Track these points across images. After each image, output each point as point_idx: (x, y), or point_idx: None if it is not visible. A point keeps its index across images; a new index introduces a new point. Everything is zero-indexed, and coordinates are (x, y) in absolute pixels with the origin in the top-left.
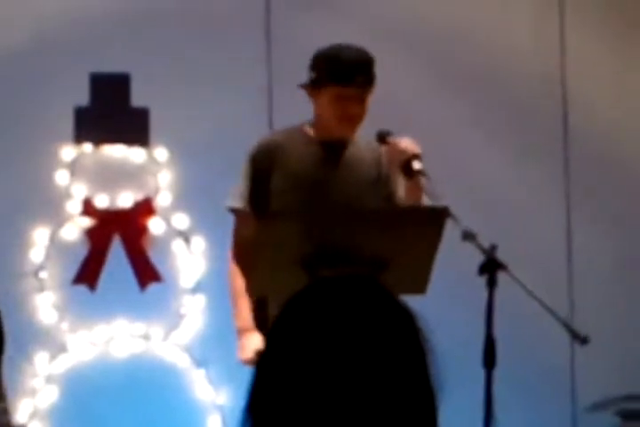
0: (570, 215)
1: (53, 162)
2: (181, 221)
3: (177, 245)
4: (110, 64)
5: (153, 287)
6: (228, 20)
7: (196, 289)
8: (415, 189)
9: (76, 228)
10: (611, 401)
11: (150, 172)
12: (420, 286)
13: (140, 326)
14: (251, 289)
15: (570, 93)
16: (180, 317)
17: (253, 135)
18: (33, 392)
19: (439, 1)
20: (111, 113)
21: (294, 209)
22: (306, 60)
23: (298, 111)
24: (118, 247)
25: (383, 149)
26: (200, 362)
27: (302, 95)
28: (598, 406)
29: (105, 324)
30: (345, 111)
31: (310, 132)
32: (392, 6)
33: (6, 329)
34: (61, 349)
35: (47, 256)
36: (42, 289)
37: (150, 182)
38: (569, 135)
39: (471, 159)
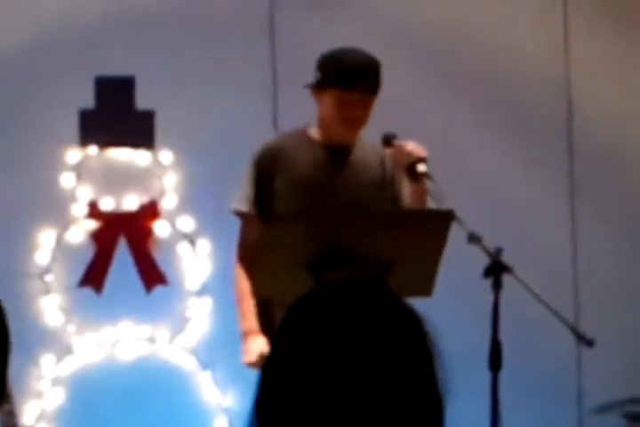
0: (574, 217)
1: (59, 165)
2: (187, 223)
3: (182, 247)
4: (115, 67)
5: (159, 290)
6: (233, 21)
7: (201, 292)
8: (420, 191)
9: (81, 230)
10: (617, 404)
11: (155, 174)
12: (425, 289)
13: (145, 329)
14: (255, 291)
15: (574, 94)
16: (186, 319)
17: (258, 137)
18: (39, 395)
19: (443, 1)
20: (116, 116)
21: (297, 212)
22: (310, 61)
23: (303, 113)
24: (124, 250)
25: (388, 151)
26: (206, 364)
27: (307, 96)
28: (604, 409)
29: (111, 326)
30: (346, 115)
31: (315, 134)
32: (396, 7)
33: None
34: (67, 351)
35: (53, 259)
36: (48, 292)
37: (155, 185)
38: (573, 137)
39: (475, 161)
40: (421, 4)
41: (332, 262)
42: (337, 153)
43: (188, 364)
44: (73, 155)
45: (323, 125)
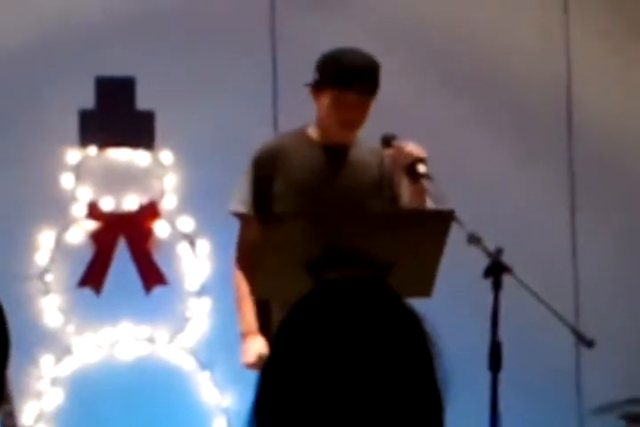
0: (574, 217)
1: (58, 165)
2: (186, 224)
3: (182, 248)
4: (115, 67)
5: (158, 290)
6: (233, 22)
7: (201, 292)
8: (420, 192)
9: (81, 231)
10: (616, 404)
11: (155, 175)
12: (425, 289)
13: (145, 329)
14: (254, 291)
15: (574, 94)
16: (186, 320)
17: (259, 138)
18: (38, 395)
19: (443, 1)
20: (116, 116)
21: (296, 213)
22: (310, 61)
23: (303, 113)
24: (123, 250)
25: (386, 151)
26: (205, 365)
27: (307, 97)
28: (604, 410)
29: (110, 327)
30: (343, 116)
31: (313, 134)
32: (396, 7)
33: (11, 332)
34: (67, 351)
35: (52, 259)
36: (47, 292)
37: (155, 185)
38: (573, 136)
39: (475, 161)
40: (422, 3)
41: (332, 263)
42: (335, 153)
43: (188, 364)
44: (73, 155)
45: (321, 125)
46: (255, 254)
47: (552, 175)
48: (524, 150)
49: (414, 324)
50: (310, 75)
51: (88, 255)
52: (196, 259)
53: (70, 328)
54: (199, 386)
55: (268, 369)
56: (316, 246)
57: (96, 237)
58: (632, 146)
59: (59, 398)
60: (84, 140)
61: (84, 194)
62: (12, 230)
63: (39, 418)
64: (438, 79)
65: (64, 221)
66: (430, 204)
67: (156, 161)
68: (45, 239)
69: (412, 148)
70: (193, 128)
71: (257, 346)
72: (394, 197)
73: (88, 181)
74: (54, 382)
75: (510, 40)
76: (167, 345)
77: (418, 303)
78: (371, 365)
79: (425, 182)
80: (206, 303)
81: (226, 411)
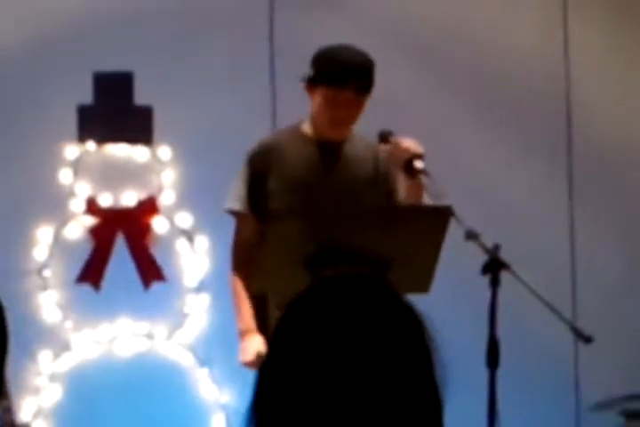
0: (573, 214)
1: (57, 161)
2: (185, 219)
3: (180, 244)
4: (113, 63)
5: (157, 286)
6: (232, 18)
7: (199, 288)
8: (417, 188)
9: (79, 226)
10: (614, 401)
11: (154, 170)
12: (423, 286)
13: (143, 325)
14: (251, 287)
15: (573, 92)
16: (184, 316)
17: (257, 134)
18: (37, 391)
19: (443, 0)
20: (114, 112)
21: (292, 210)
22: (309, 59)
23: (301, 110)
24: (122, 246)
25: (382, 146)
26: (204, 361)
27: (305, 94)
28: (602, 406)
29: (109, 323)
30: (336, 114)
31: (308, 130)
32: (395, 6)
33: (10, 327)
34: (65, 347)
35: (51, 255)
36: (45, 288)
37: (154, 181)
38: (572, 134)
39: (474, 159)
40: (421, 3)
41: (330, 259)
42: (330, 149)
43: (186, 360)
44: (71, 151)
45: (314, 122)
46: (253, 251)
47: (551, 173)
48: (523, 148)
49: (412, 320)
50: (308, 72)
51: (86, 251)
52: (195, 255)
53: (69, 324)
54: (198, 382)
55: (266, 366)
56: (315, 243)
57: (94, 232)
58: (631, 144)
59: (57, 393)
60: (83, 136)
61: (83, 189)
62: (11, 226)
63: (37, 414)
64: (437, 78)
65: (62, 217)
66: (428, 200)
67: (155, 157)
68: (44, 235)
69: (410, 143)
70: (191, 124)
71: (255, 344)
72: (389, 193)
73: (86, 176)
74: (52, 377)
75: (509, 39)
76: (166, 341)
77: (416, 299)
78: (369, 361)
79: (422, 178)
80: (205, 299)
81: (224, 407)
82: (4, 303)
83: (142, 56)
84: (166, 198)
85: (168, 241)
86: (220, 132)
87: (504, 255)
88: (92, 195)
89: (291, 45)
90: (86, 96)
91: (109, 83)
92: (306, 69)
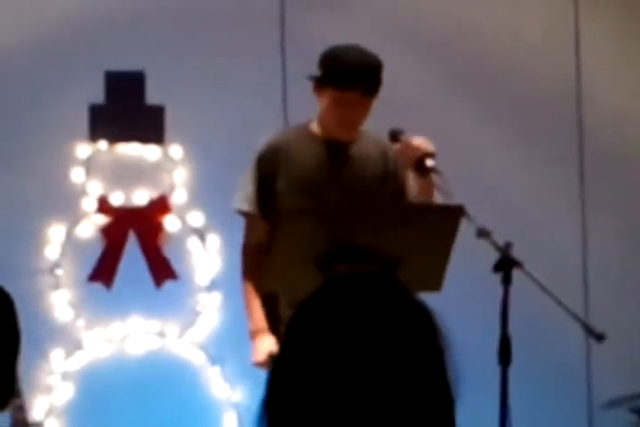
0: (585, 212)
1: (69, 160)
2: (196, 218)
3: (192, 242)
4: (125, 62)
5: (168, 285)
6: (243, 16)
7: (211, 287)
8: (428, 186)
9: (91, 225)
10: (626, 398)
11: (165, 169)
12: (434, 284)
13: (155, 324)
14: (263, 286)
15: (585, 92)
16: (196, 314)
17: (268, 132)
18: (49, 389)
19: None
20: (126, 111)
21: (308, 208)
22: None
23: (312, 108)
24: (134, 245)
25: (394, 146)
26: (215, 359)
27: None
28: (614, 403)
29: (120, 321)
30: (343, 115)
31: (316, 129)
32: (406, 4)
33: (22, 326)
34: (77, 346)
35: (63, 254)
36: (57, 286)
37: (165, 180)
38: (584, 134)
39: (485, 158)
40: (433, 2)
41: (341, 258)
42: (338, 148)
43: (198, 359)
44: (83, 150)
45: (322, 121)
46: (263, 251)
47: (562, 171)
48: (535, 147)
49: (425, 318)
50: (316, 73)
51: (98, 250)
52: (206, 253)
53: (80, 323)
54: (209, 381)
55: (278, 364)
56: (326, 242)
57: (106, 231)
58: None
59: (69, 392)
60: (95, 135)
61: (95, 188)
62: (23, 225)
63: (49, 412)
64: (448, 77)
65: (74, 216)
66: (439, 198)
67: (166, 155)
68: (56, 234)
69: (421, 142)
70: (203, 122)
71: (267, 344)
72: (398, 191)
73: (98, 175)
74: (65, 376)
75: (521, 38)
76: (177, 340)
77: (428, 298)
78: (381, 360)
79: (433, 177)
80: (216, 298)
81: (236, 406)
82: (16, 302)
83: (154, 55)
84: (178, 197)
85: (180, 240)
86: (231, 131)
87: (516, 253)
88: (104, 194)
89: (302, 44)
90: (98, 95)
91: (121, 82)
92: (316, 68)
